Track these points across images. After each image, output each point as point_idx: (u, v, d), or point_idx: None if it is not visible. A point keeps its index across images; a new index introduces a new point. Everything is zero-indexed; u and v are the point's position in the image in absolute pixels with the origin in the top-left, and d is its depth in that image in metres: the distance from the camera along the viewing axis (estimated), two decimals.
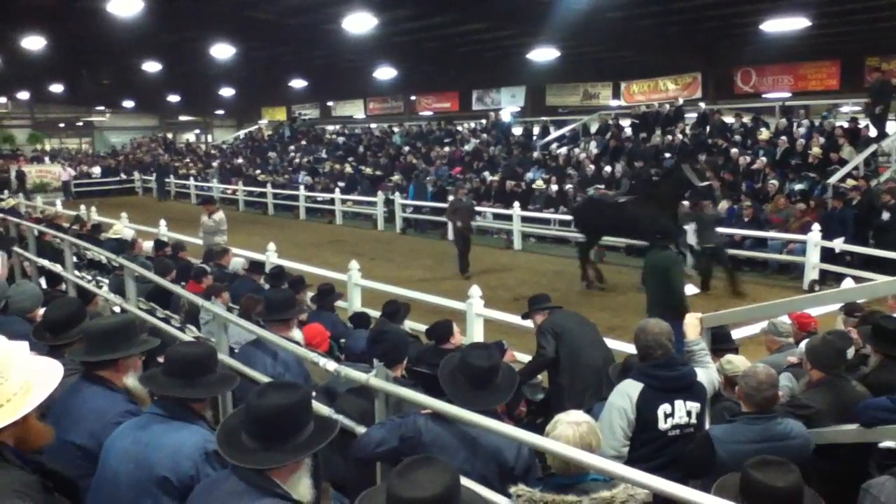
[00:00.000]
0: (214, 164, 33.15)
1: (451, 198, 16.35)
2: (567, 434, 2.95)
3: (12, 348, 2.32)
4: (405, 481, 2.15)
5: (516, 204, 18.51)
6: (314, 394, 3.82)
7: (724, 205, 15.93)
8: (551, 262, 15.97)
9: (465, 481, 3.14)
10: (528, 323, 8.22)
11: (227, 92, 37.07)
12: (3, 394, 2.20)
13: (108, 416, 3.18)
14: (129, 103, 44.48)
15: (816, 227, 13.24)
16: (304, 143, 33.56)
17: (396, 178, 24.36)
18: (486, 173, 22.20)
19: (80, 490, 2.72)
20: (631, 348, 6.50)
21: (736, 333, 6.73)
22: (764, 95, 23.16)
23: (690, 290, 9.80)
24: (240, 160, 33.69)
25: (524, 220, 18.38)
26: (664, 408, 3.87)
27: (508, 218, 18.69)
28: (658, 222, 10.98)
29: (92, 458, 3.08)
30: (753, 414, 3.76)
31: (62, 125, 50.63)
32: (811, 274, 13.06)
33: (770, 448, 3.41)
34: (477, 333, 8.52)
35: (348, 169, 26.98)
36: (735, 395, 4.69)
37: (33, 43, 20.76)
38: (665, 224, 10.83)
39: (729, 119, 20.69)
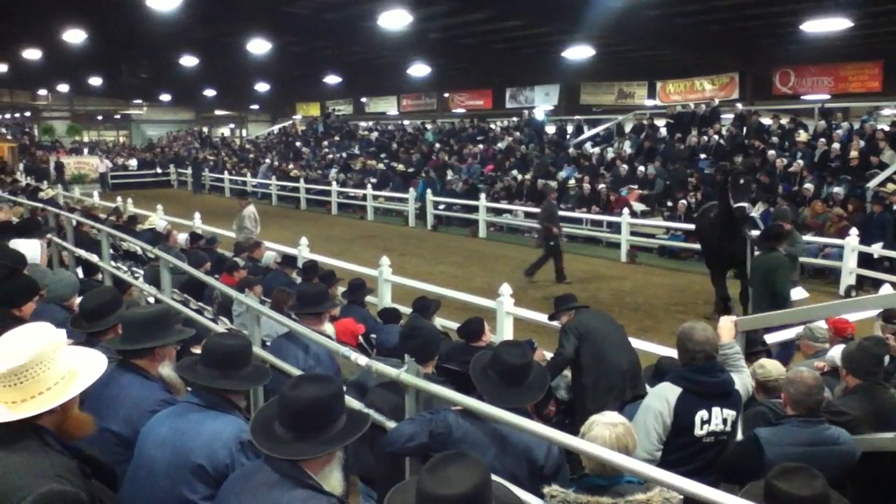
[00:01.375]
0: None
1: (544, 202, 15.09)
2: (604, 435, 2.92)
3: (57, 336, 2.36)
4: (436, 477, 2.14)
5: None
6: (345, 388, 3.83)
7: (759, 207, 15.73)
8: (582, 262, 15.88)
9: (495, 478, 3.15)
10: (557, 323, 8.22)
11: (262, 87, 37.41)
12: (45, 381, 2.24)
13: (145, 404, 3.23)
14: (165, 97, 45.11)
15: (854, 231, 13.01)
16: (337, 138, 33.73)
17: (433, 175, 24.42)
18: (515, 171, 22.11)
19: (116, 475, 2.77)
20: (661, 350, 6.49)
21: (770, 338, 6.64)
22: (803, 97, 22.78)
23: (799, 293, 9.57)
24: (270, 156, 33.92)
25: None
26: (701, 414, 3.81)
27: (535, 216, 18.60)
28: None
29: (128, 445, 3.13)
30: (802, 417, 3.70)
31: (100, 117, 51.46)
32: (848, 279, 12.85)
33: (819, 452, 3.37)
34: (507, 332, 8.50)
35: (380, 165, 27.09)
36: (767, 398, 4.64)
37: (74, 36, 21.12)
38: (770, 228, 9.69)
39: (766, 120, 20.39)
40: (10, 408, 2.20)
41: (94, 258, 8.30)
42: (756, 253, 9.41)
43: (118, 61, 31.29)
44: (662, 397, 3.87)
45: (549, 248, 14.07)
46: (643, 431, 3.73)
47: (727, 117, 21.45)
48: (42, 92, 46.45)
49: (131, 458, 3.05)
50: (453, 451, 2.42)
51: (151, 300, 6.88)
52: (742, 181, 10.10)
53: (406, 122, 34.08)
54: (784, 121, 19.87)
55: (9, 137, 38.08)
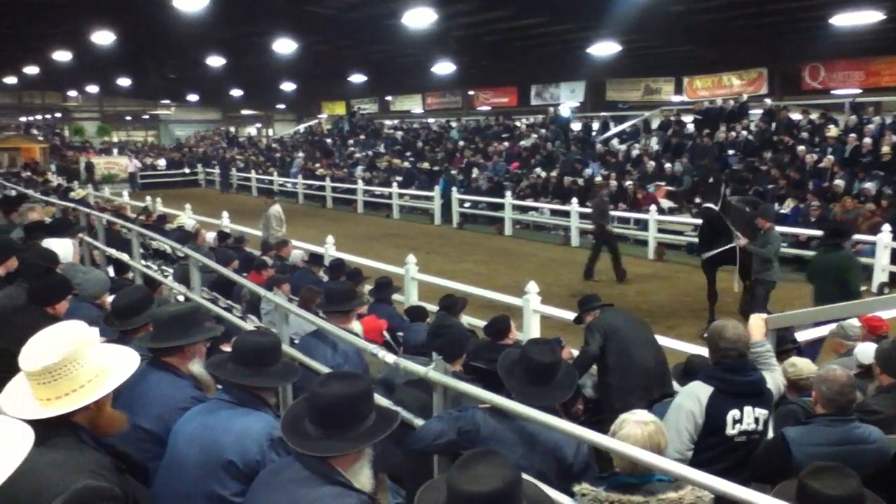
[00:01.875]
0: (300, 154, 33.66)
1: (595, 199, 15.00)
2: (635, 434, 2.90)
3: (90, 335, 2.39)
4: (466, 475, 2.14)
5: (574, 200, 18.34)
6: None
7: (789, 204, 15.57)
8: (608, 259, 15.77)
9: (525, 477, 3.14)
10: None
11: (288, 86, 37.65)
12: (79, 378, 2.27)
13: (176, 401, 3.26)
14: (193, 97, 45.58)
15: (887, 227, 12.80)
16: (362, 137, 33.84)
17: (453, 172, 24.44)
18: (538, 169, 22.02)
19: (149, 471, 2.81)
20: (689, 348, 6.44)
21: (801, 336, 6.56)
22: (833, 92, 22.46)
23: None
24: (301, 154, 34.12)
25: (582, 216, 18.22)
26: (733, 413, 3.77)
27: (566, 214, 18.55)
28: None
29: (159, 441, 3.16)
30: (831, 416, 3.64)
31: (129, 118, 52.17)
32: (880, 276, 12.64)
33: (849, 452, 3.31)
34: (533, 330, 8.47)
35: (405, 164, 27.14)
36: (798, 397, 4.58)
37: (103, 38, 21.39)
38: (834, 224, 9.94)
39: (796, 116, 20.12)
40: (45, 405, 2.23)
41: (124, 257, 8.41)
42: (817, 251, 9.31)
43: (146, 62, 31.67)
44: (694, 396, 3.83)
45: (601, 245, 13.95)
46: (674, 430, 3.70)
47: (755, 113, 21.20)
48: (72, 93, 47.14)
49: (163, 455, 3.09)
50: (483, 448, 2.42)
51: (181, 298, 6.96)
52: (711, 182, 10.50)
53: (431, 121, 34.11)
54: (814, 116, 19.59)
55: (40, 138, 38.65)
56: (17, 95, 46.81)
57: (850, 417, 3.66)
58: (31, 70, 31.07)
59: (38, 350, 2.26)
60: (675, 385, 5.27)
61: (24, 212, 8.70)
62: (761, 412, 3.84)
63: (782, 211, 15.65)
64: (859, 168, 16.16)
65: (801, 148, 17.47)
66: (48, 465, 2.07)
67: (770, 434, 3.97)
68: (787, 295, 12.30)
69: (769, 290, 9.80)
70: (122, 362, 2.45)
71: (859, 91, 21.75)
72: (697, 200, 10.51)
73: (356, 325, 5.60)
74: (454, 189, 22.04)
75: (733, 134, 19.81)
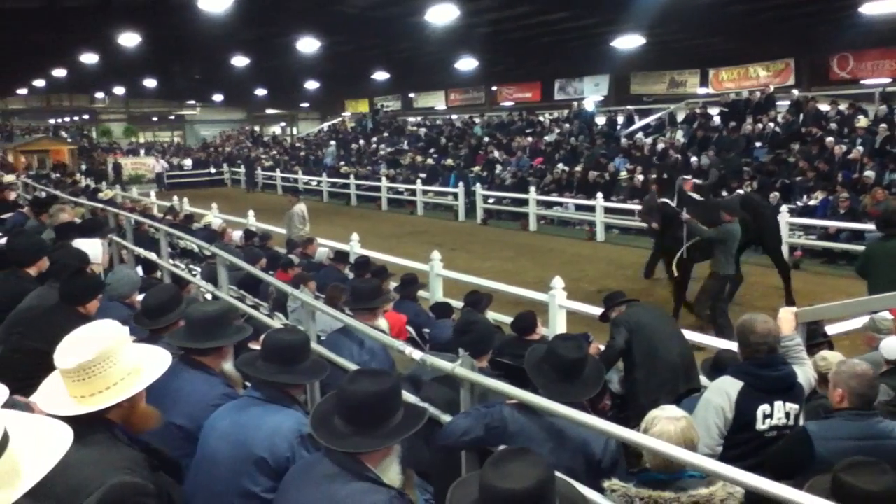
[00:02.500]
0: (332, 143, 33.88)
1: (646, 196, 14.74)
2: (668, 430, 2.89)
3: (122, 333, 2.43)
4: (499, 472, 2.14)
5: (599, 195, 18.24)
6: None
7: (818, 195, 15.36)
8: (635, 254, 15.67)
9: (558, 475, 3.13)
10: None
11: (311, 85, 37.81)
12: (112, 375, 2.31)
13: (208, 398, 3.30)
14: (218, 97, 45.94)
15: None
16: (385, 134, 33.92)
17: (477, 168, 24.42)
18: (560, 164, 21.92)
19: (182, 468, 2.84)
20: (718, 343, 6.39)
21: (832, 329, 6.49)
22: (862, 82, 22.12)
23: None
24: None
25: (607, 210, 18.12)
26: (763, 408, 3.73)
27: (591, 209, 18.45)
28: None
29: (191, 438, 3.20)
30: (854, 410, 3.58)
31: (155, 119, 52.73)
32: None
33: (871, 447, 3.26)
34: (559, 326, 8.44)
35: (429, 160, 27.16)
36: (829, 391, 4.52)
37: (129, 40, 21.61)
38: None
39: (824, 107, 19.83)
40: (79, 402, 2.27)
41: (152, 256, 8.51)
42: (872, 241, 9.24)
43: (172, 63, 31.96)
44: (723, 392, 3.80)
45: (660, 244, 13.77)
46: (703, 426, 3.67)
47: (783, 104, 20.94)
48: (99, 95, 47.71)
49: (195, 452, 3.12)
50: (516, 447, 2.41)
51: (209, 296, 7.02)
52: (666, 177, 10.86)
53: (454, 117, 34.10)
54: (843, 106, 19.31)
55: (68, 140, 39.19)
56: (46, 98, 47.50)
57: (873, 412, 3.61)
58: (59, 73, 31.48)
59: (72, 348, 2.30)
60: (704, 380, 5.23)
61: (54, 213, 8.82)
62: (792, 407, 3.80)
63: (811, 203, 15.46)
64: (889, 159, 15.90)
65: (830, 139, 17.23)
66: (84, 462, 2.10)
67: None
68: (816, 289, 12.18)
69: (723, 285, 9.68)
70: (154, 361, 2.49)
71: (889, 80, 21.39)
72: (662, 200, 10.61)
73: (382, 322, 5.62)
74: (478, 185, 22.02)
75: (760, 126, 19.59)
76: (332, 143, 34.06)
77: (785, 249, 14.16)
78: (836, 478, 2.53)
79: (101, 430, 2.27)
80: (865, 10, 17.51)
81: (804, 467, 3.38)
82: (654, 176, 14.87)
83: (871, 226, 13.48)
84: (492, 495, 2.10)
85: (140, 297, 5.03)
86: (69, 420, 1.96)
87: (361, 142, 33.62)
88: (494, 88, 34.67)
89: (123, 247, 9.01)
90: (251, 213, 15.99)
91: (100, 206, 12.81)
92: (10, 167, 28.87)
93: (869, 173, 15.16)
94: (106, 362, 2.29)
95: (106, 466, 2.15)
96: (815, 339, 5.49)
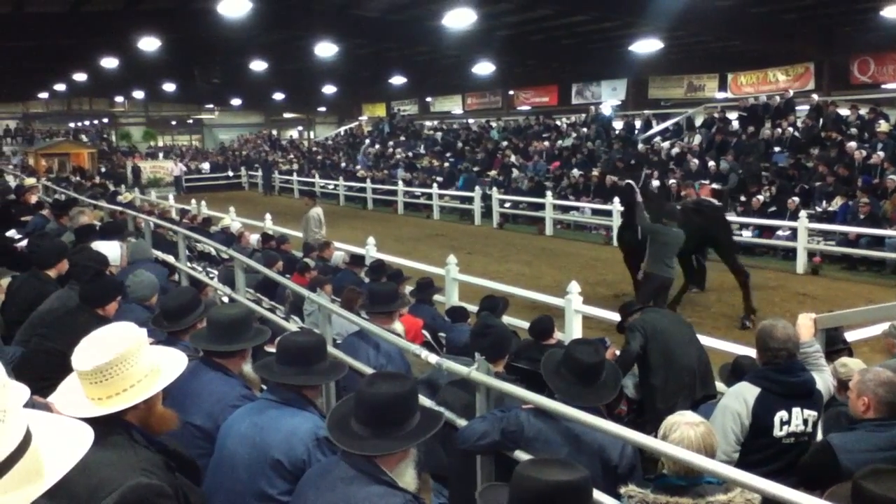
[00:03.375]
0: (366, 141, 34.04)
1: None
2: (689, 436, 2.86)
3: (140, 335, 2.44)
4: (538, 470, 2.24)
5: (616, 199, 18.15)
6: None
7: (838, 201, 15.22)
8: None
9: None
10: None
11: (329, 89, 37.93)
12: (129, 377, 2.32)
13: (227, 399, 3.32)
14: (236, 101, 46.18)
15: None
16: (402, 138, 33.99)
17: (493, 173, 24.42)
18: (575, 170, 21.86)
19: (199, 469, 2.86)
20: (735, 349, 6.35)
21: (852, 336, 6.42)
22: (883, 86, 21.89)
23: None
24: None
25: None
26: (781, 414, 3.70)
27: (608, 213, 18.38)
28: None
29: (210, 439, 3.23)
30: (878, 420, 3.52)
31: (174, 122, 53.09)
32: None
33: None
34: (575, 330, 8.42)
35: (446, 164, 27.18)
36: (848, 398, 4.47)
37: (149, 44, 21.78)
38: None
39: (844, 111, 19.66)
40: (97, 404, 2.29)
41: (170, 259, 8.57)
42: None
43: (191, 67, 32.21)
44: (741, 397, 3.77)
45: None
46: (721, 432, 3.63)
47: (802, 109, 20.79)
48: (119, 99, 48.10)
49: (212, 452, 3.15)
50: (547, 457, 2.48)
51: (226, 299, 7.07)
52: (633, 163, 11.02)
53: (471, 121, 34.11)
54: (863, 111, 19.13)
55: (88, 144, 39.55)
56: (66, 102, 47.95)
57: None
58: (80, 77, 31.80)
59: (90, 350, 2.31)
60: (721, 386, 5.20)
61: (74, 215, 8.92)
62: (810, 413, 3.76)
63: (830, 208, 15.33)
64: None
65: (851, 144, 17.07)
66: (102, 463, 2.12)
67: (819, 436, 3.89)
68: (836, 294, 12.08)
69: (656, 287, 9.51)
70: (171, 362, 2.50)
71: None
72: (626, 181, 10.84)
73: (398, 326, 5.63)
74: (494, 189, 22.03)
75: (779, 130, 19.46)
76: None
77: (804, 255, 14.10)
78: (856, 485, 2.50)
79: (118, 432, 2.28)
80: (887, 13, 17.36)
81: (830, 480, 3.33)
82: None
83: (891, 231, 13.37)
84: (536, 488, 2.18)
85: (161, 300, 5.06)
86: (87, 421, 1.98)
87: (378, 146, 33.75)
88: (511, 92, 34.63)
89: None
90: (268, 216, 16.06)
91: (119, 208, 12.93)
92: (31, 170, 29.19)
93: (893, 177, 14.98)
94: (123, 364, 2.30)
95: (124, 468, 2.16)
96: (836, 345, 5.44)
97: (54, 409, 2.29)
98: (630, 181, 10.68)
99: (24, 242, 7.85)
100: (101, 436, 1.92)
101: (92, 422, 1.96)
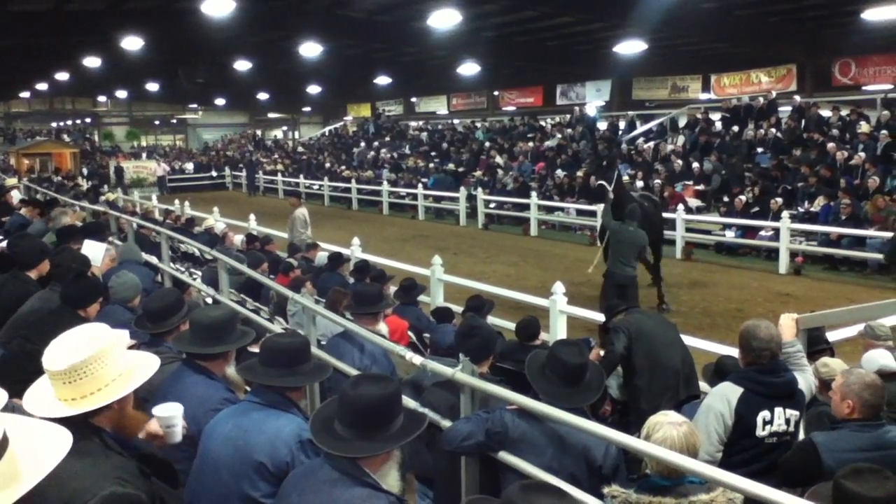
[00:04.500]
0: (362, 144, 33.71)
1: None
2: (672, 436, 2.87)
3: (115, 336, 2.42)
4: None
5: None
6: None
7: (820, 202, 15.34)
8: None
9: (554, 479, 3.13)
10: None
11: (314, 89, 37.86)
12: (102, 378, 2.29)
13: (209, 402, 3.30)
14: (220, 101, 46.01)
15: None
16: (388, 139, 33.95)
17: (478, 173, 24.44)
18: (559, 171, 21.91)
19: (176, 472, 2.82)
20: (719, 349, 6.37)
21: (833, 335, 6.46)
22: (864, 87, 22.09)
23: None
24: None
25: None
26: (763, 414, 3.72)
27: (593, 214, 18.42)
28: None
29: (192, 442, 3.19)
30: (861, 420, 3.56)
31: (157, 122, 52.78)
32: None
33: (881, 457, 3.24)
34: (560, 331, 8.43)
35: (431, 165, 27.17)
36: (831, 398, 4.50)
37: (132, 43, 21.67)
38: None
39: (826, 112, 19.83)
40: (69, 404, 2.25)
41: (153, 260, 8.50)
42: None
43: (175, 67, 32.03)
44: (723, 397, 3.79)
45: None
46: (704, 432, 3.64)
47: (784, 110, 20.95)
48: (102, 98, 47.84)
49: (195, 456, 3.12)
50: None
51: (209, 301, 7.02)
52: (606, 163, 11.53)
53: (456, 122, 34.11)
54: (844, 112, 19.30)
55: (71, 143, 39.23)
56: (49, 101, 47.60)
57: (881, 422, 3.59)
58: (63, 76, 31.57)
59: (63, 349, 2.27)
60: (705, 386, 5.22)
61: (56, 216, 8.83)
62: (792, 413, 3.79)
63: (812, 209, 15.45)
64: (893, 165, 15.88)
65: (832, 145, 17.22)
66: (75, 472, 2.07)
67: (802, 435, 3.91)
68: (818, 295, 12.17)
69: (613, 284, 9.77)
70: (143, 365, 2.48)
71: (891, 86, 21.37)
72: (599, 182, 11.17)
73: (383, 327, 5.61)
74: (479, 190, 22.06)
75: (762, 131, 19.60)
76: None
77: (786, 255, 14.22)
78: (837, 484, 2.52)
79: (90, 438, 2.24)
80: (867, 15, 17.53)
81: (812, 479, 3.36)
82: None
83: (872, 232, 13.50)
84: None
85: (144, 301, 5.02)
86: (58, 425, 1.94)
87: (363, 145, 33.68)
88: (497, 93, 34.68)
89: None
90: (252, 216, 16.00)
91: (101, 209, 12.82)
92: (12, 170, 28.92)
93: (875, 179, 15.11)
94: (97, 364, 2.27)
95: (97, 477, 2.12)
96: (818, 345, 5.48)
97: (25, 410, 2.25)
98: (602, 182, 11.00)
99: (3, 243, 7.77)
100: (73, 443, 1.89)
101: (64, 426, 1.94)
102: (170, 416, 2.82)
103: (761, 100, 21.28)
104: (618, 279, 9.75)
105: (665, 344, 5.72)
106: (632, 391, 5.75)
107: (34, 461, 1.64)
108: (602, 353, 5.92)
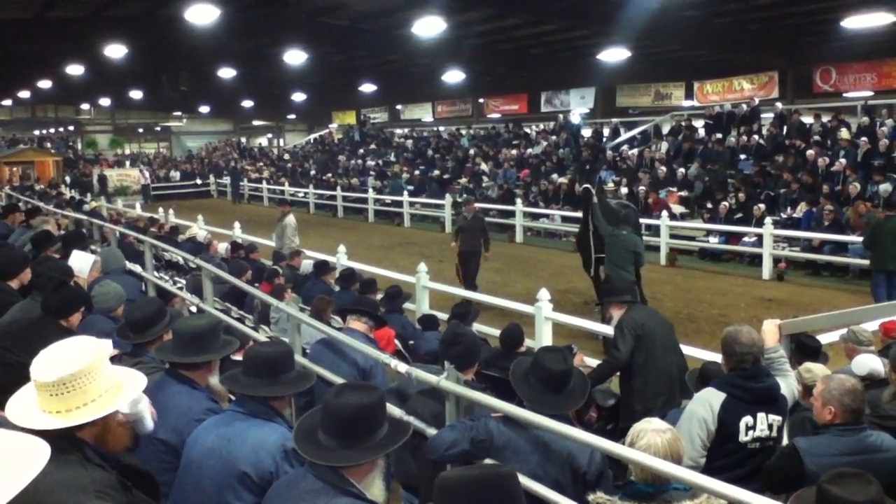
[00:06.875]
0: (360, 151, 33.71)
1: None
2: (656, 443, 2.88)
3: (103, 350, 2.39)
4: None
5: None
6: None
7: (802, 208, 15.47)
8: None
9: (538, 487, 3.13)
10: (598, 327, 8.12)
11: (298, 97, 37.81)
12: (91, 392, 2.26)
13: (192, 413, 3.27)
14: (205, 109, 45.88)
15: None
16: (373, 146, 33.93)
17: (464, 181, 24.47)
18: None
19: (157, 483, 2.79)
20: (704, 355, 6.40)
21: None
22: (845, 94, 22.33)
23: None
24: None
25: None
26: (746, 420, 3.74)
27: (577, 221, 18.46)
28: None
29: (175, 452, 3.18)
30: (843, 425, 3.58)
31: (141, 130, 52.52)
32: None
33: (863, 461, 3.26)
34: (545, 337, 8.45)
35: (416, 172, 27.18)
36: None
37: (115, 51, 21.55)
38: None
39: (807, 119, 20.02)
40: (55, 416, 2.21)
41: (137, 269, 8.44)
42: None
43: (158, 75, 31.91)
44: (706, 403, 3.81)
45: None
46: (687, 438, 3.66)
47: (767, 117, 21.13)
48: (85, 106, 47.53)
49: (178, 466, 3.10)
50: None
51: (194, 309, 6.99)
52: (588, 168, 12.08)
53: (441, 129, 34.15)
54: (825, 119, 19.50)
55: (53, 151, 38.93)
56: (31, 109, 47.26)
57: (862, 426, 3.62)
58: (45, 84, 31.37)
59: (53, 361, 2.24)
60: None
61: (38, 224, 8.77)
62: (775, 419, 3.81)
63: (795, 215, 15.58)
64: (873, 171, 16.03)
65: (812, 152, 17.37)
66: (54, 485, 2.04)
67: (785, 440, 3.94)
68: (802, 300, 12.26)
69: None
70: (131, 380, 2.45)
71: (871, 93, 21.61)
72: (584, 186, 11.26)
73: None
74: (464, 196, 22.05)
75: (745, 138, 19.75)
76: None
77: (769, 261, 14.33)
78: (821, 489, 2.53)
79: (70, 451, 2.21)
80: (847, 23, 17.73)
81: (795, 484, 3.38)
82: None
83: (854, 237, 13.61)
84: None
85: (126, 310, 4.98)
86: (39, 436, 1.91)
87: (347, 155, 33.61)
88: (481, 100, 34.76)
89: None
90: (237, 224, 15.93)
91: (84, 217, 12.73)
92: None
93: (855, 185, 15.24)
94: (87, 377, 2.24)
95: (76, 491, 2.09)
96: (809, 352, 5.48)
97: (7, 421, 2.22)
98: (587, 185, 11.04)
99: None
100: (52, 454, 1.87)
101: (44, 438, 1.91)
102: (134, 411, 2.71)
103: (744, 107, 21.44)
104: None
105: (664, 347, 5.70)
106: (627, 391, 5.72)
107: (10, 474, 1.62)
108: (585, 359, 5.92)
